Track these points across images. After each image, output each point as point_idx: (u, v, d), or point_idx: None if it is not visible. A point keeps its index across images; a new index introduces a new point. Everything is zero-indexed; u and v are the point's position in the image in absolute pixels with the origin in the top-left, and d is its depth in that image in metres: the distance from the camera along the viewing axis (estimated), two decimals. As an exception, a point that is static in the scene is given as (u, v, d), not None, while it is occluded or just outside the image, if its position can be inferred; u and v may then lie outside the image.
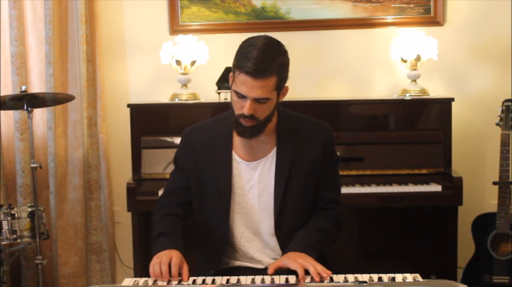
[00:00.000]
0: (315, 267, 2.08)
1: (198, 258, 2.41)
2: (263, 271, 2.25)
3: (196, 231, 2.41)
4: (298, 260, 2.12)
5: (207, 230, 2.36)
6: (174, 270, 2.10)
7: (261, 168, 2.30)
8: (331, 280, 2.07)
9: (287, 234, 2.30)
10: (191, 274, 2.14)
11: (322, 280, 2.06)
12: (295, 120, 2.35)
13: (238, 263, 2.35)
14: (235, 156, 2.31)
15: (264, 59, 2.12)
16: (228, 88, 3.70)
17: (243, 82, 2.12)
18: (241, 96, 2.15)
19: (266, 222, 2.31)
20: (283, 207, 2.28)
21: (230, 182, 2.29)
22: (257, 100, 2.14)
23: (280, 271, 2.14)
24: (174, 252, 2.16)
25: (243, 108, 2.15)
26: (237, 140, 2.31)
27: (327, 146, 2.34)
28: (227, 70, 3.62)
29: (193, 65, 3.75)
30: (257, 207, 2.31)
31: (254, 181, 2.30)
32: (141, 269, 3.47)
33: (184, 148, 2.38)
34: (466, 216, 3.59)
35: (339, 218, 2.41)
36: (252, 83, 2.11)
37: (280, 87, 2.21)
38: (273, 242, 2.32)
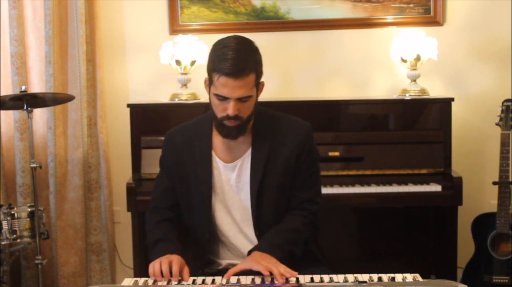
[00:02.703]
0: (278, 269, 2.07)
1: (189, 258, 2.41)
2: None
3: (186, 231, 2.42)
4: (262, 262, 2.11)
5: (195, 229, 2.37)
6: (175, 269, 2.10)
7: (238, 169, 2.31)
8: (331, 280, 2.07)
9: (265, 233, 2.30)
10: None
11: (322, 279, 2.07)
12: (271, 119, 2.35)
13: (231, 261, 2.36)
14: (214, 157, 2.32)
15: (240, 58, 2.13)
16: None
17: (224, 84, 2.13)
18: (223, 99, 2.16)
19: (247, 221, 2.33)
20: (260, 207, 2.29)
21: (211, 182, 2.31)
22: (239, 100, 2.15)
23: (244, 272, 2.13)
24: (174, 256, 2.17)
25: (227, 109, 2.16)
26: (216, 141, 2.32)
27: (303, 144, 2.31)
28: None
29: (193, 65, 3.75)
30: (237, 207, 2.33)
31: (232, 182, 2.32)
32: (141, 269, 3.47)
33: (167, 149, 2.41)
34: (466, 216, 3.59)
35: (313, 218, 2.35)
36: (233, 84, 2.12)
37: (258, 83, 2.23)
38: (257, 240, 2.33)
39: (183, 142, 2.36)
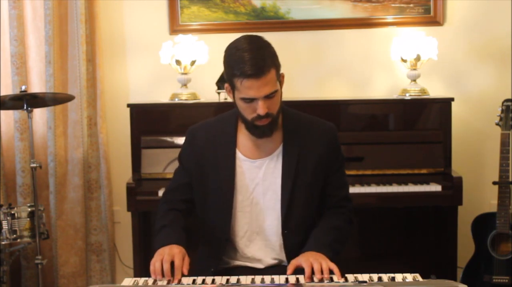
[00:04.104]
0: (320, 264, 2.08)
1: (199, 256, 2.42)
2: (262, 271, 2.26)
3: (198, 229, 2.42)
4: (310, 258, 2.12)
5: (209, 228, 2.37)
6: (177, 273, 2.10)
7: (266, 167, 2.31)
8: (331, 280, 2.07)
9: (293, 233, 2.31)
10: (192, 273, 2.14)
11: (322, 279, 2.07)
12: (299, 119, 2.37)
13: (237, 263, 2.35)
14: (239, 155, 2.32)
15: (257, 57, 2.13)
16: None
17: (249, 87, 2.13)
18: (250, 101, 2.16)
19: (270, 220, 2.32)
20: (290, 205, 2.29)
21: (233, 180, 2.30)
22: (267, 97, 2.16)
23: (296, 271, 2.14)
24: (175, 249, 2.16)
25: (256, 110, 2.17)
26: (241, 139, 2.32)
27: (332, 145, 2.36)
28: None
29: (193, 65, 3.75)
30: (262, 206, 2.32)
31: (258, 180, 2.31)
32: (141, 269, 3.47)
33: (188, 145, 2.40)
34: (466, 216, 3.59)
35: (351, 215, 2.42)
36: (258, 84, 2.13)
37: (279, 76, 2.23)
38: (276, 241, 2.33)
39: (206, 140, 2.35)
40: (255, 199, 2.32)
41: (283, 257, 2.33)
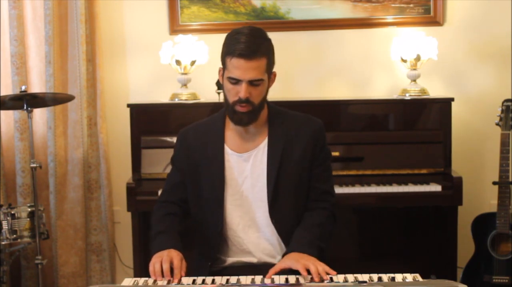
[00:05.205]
0: (316, 267, 2.09)
1: (194, 257, 2.42)
2: (256, 267, 2.28)
3: (192, 228, 2.43)
4: (301, 261, 2.12)
5: (203, 225, 2.38)
6: (177, 273, 2.11)
7: (253, 159, 2.34)
8: (331, 280, 2.06)
9: (283, 222, 2.32)
10: (188, 272, 2.15)
11: (322, 279, 2.06)
12: (285, 114, 2.41)
13: (231, 259, 2.37)
14: (227, 149, 2.35)
15: (253, 41, 2.20)
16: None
17: (237, 66, 2.19)
18: (235, 82, 2.21)
19: (261, 212, 2.34)
20: (276, 195, 2.31)
21: (223, 175, 2.33)
22: (251, 83, 2.21)
23: (282, 271, 2.14)
24: (173, 252, 2.18)
25: (239, 93, 2.22)
26: (229, 134, 2.36)
27: (317, 139, 2.37)
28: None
29: (193, 65, 3.75)
30: (252, 198, 2.34)
31: (247, 173, 2.34)
32: (141, 269, 3.47)
33: (180, 147, 2.44)
34: (466, 216, 3.59)
35: (333, 209, 2.42)
36: (245, 65, 2.18)
37: (270, 71, 2.28)
38: (269, 232, 2.35)
39: (196, 139, 2.39)
40: (245, 192, 2.34)
41: (276, 247, 2.36)
